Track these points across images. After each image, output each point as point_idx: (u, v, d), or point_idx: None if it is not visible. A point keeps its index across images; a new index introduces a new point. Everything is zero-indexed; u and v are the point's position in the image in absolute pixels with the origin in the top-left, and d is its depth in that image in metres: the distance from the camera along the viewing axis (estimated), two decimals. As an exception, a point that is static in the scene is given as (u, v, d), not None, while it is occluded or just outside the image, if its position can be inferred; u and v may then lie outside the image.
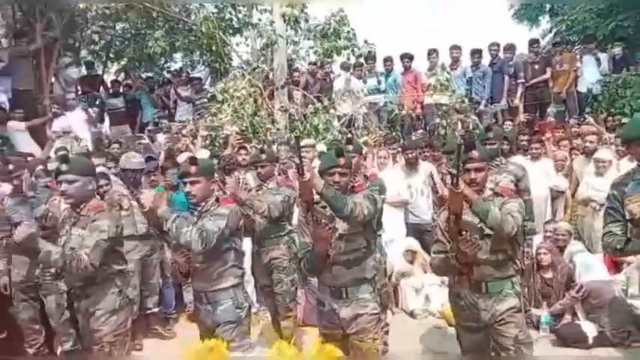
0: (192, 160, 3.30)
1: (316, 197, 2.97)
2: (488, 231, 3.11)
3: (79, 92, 9.87)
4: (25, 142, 7.65)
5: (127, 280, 3.57)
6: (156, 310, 5.47)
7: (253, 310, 4.56)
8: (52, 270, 3.39)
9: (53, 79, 9.32)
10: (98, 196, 3.68)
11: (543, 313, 4.98)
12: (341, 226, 3.09)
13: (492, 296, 3.20)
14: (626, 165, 4.97)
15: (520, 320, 3.24)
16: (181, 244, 3.15)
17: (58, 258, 3.14)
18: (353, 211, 2.95)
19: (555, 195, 6.32)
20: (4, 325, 4.58)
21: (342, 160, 3.08)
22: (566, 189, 6.34)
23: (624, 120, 7.51)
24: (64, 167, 3.28)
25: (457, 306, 3.37)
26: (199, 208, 3.33)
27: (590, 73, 9.11)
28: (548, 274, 5.15)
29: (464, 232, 2.99)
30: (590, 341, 4.66)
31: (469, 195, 2.97)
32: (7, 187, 4.57)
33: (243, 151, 6.02)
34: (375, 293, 3.28)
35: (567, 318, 4.96)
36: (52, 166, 5.48)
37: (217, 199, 3.39)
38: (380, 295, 3.45)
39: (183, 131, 7.80)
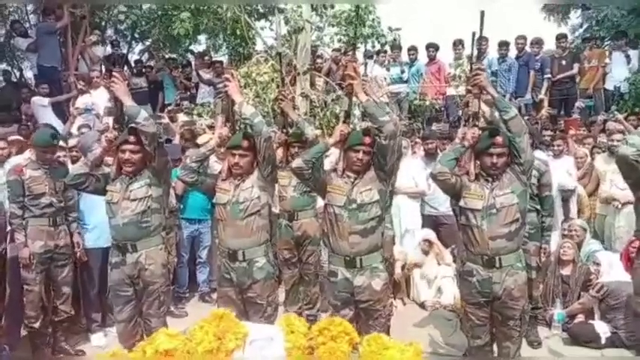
0: (246, 135, 3.53)
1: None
2: (499, 204, 3.24)
3: (103, 71, 9.94)
4: (48, 118, 7.74)
5: (167, 239, 3.91)
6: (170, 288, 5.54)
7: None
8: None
9: (79, 57, 9.40)
10: None
11: (557, 311, 4.93)
12: (359, 197, 3.29)
13: (505, 269, 3.29)
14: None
15: (526, 292, 3.43)
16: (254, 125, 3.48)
17: (148, 116, 3.44)
18: (391, 116, 3.28)
19: (565, 196, 6.09)
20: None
21: (367, 139, 3.30)
22: (575, 187, 6.12)
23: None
24: (131, 139, 3.54)
25: (468, 284, 3.44)
26: (236, 182, 3.54)
27: (619, 70, 8.88)
28: (566, 271, 5.09)
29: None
30: (603, 341, 4.61)
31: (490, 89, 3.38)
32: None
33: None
34: (384, 263, 3.46)
35: (580, 317, 4.90)
36: (72, 142, 5.55)
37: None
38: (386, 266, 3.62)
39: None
